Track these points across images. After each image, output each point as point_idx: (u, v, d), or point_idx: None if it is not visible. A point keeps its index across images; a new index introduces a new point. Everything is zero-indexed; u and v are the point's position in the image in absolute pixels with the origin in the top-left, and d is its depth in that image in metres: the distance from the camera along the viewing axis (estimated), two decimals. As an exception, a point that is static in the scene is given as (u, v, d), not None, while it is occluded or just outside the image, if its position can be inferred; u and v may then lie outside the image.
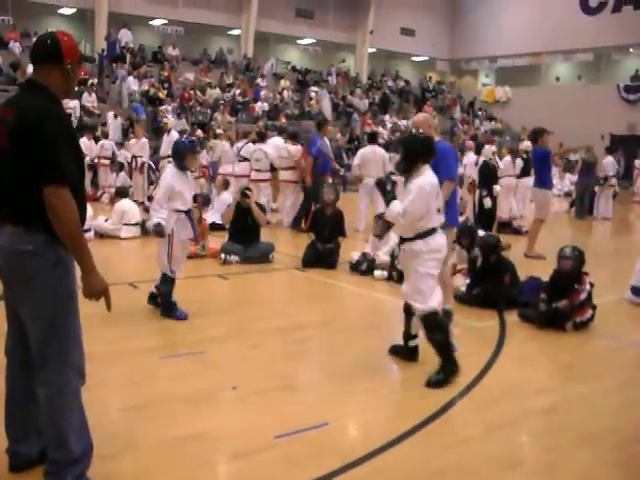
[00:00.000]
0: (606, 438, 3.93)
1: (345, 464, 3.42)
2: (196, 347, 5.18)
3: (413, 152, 4.65)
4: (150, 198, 10.80)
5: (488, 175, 11.67)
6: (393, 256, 7.82)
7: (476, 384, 4.65)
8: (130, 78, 21.74)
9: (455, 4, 34.07)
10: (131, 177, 14.05)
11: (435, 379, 4.56)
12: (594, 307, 6.14)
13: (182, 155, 6.02)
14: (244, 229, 8.64)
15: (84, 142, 14.03)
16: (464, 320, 6.07)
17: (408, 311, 4.95)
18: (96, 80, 21.47)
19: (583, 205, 15.78)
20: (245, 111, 23.60)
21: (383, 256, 8.11)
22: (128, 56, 23.32)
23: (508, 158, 13.45)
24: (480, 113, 31.83)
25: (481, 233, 7.79)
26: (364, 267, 8.11)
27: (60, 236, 2.78)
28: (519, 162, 13.41)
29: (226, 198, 11.03)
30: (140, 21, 25.99)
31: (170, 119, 16.28)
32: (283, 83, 26.65)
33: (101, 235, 9.89)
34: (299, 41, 30.87)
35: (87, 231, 8.73)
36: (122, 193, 10.68)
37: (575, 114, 26.15)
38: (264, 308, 6.65)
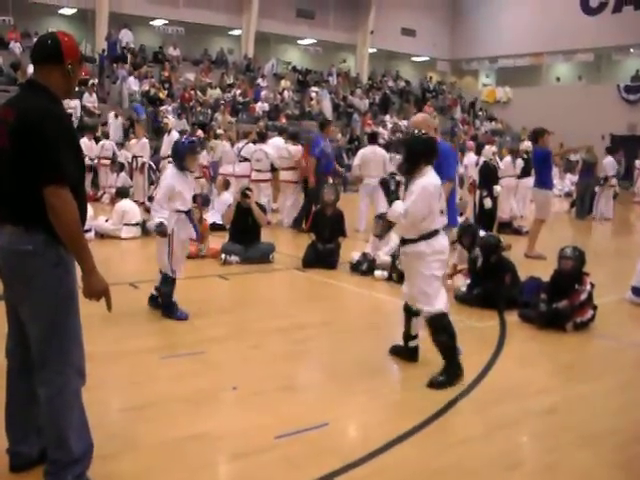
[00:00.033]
0: (606, 438, 3.93)
1: (345, 464, 3.42)
2: (196, 347, 5.18)
3: (416, 153, 4.63)
4: (150, 198, 10.79)
5: (488, 175, 11.66)
6: (394, 257, 7.82)
7: (476, 384, 4.65)
8: (131, 78, 21.76)
9: (456, 4, 34.07)
10: (131, 177, 14.05)
11: (438, 381, 4.55)
12: (594, 307, 6.14)
13: (182, 155, 6.02)
14: (244, 229, 8.64)
15: (84, 142, 14.03)
16: (464, 320, 6.07)
17: (408, 312, 4.96)
18: (97, 80, 21.47)
19: (584, 205, 15.78)
20: (246, 111, 23.61)
21: (383, 256, 8.11)
22: (129, 56, 23.32)
23: (508, 158, 13.45)
24: (480, 113, 31.83)
25: (481, 233, 7.78)
26: (364, 267, 8.11)
27: (60, 236, 2.78)
28: (519, 162, 13.40)
29: (226, 198, 11.03)
30: (141, 21, 26.00)
31: (171, 119, 16.29)
32: (284, 83, 26.65)
33: (101, 235, 9.89)
34: (300, 41, 30.87)
35: (87, 231, 8.74)
36: (122, 193, 10.68)
37: (575, 114, 26.14)
38: (264, 308, 6.65)
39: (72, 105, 17.64)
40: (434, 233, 4.59)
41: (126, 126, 18.36)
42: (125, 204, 10.25)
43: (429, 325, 4.65)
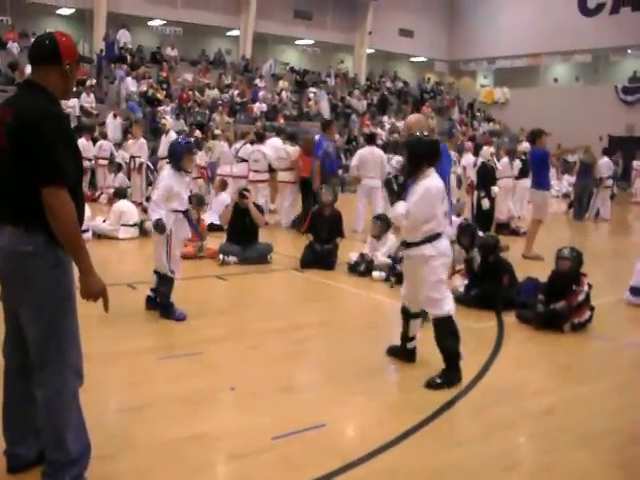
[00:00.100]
0: (604, 439, 3.93)
1: (343, 465, 3.42)
2: (194, 348, 5.18)
3: (418, 155, 4.62)
4: (148, 199, 10.78)
5: (486, 176, 11.67)
6: (392, 258, 7.81)
7: (474, 385, 4.65)
8: (128, 79, 21.74)
9: (454, 5, 34.11)
10: (129, 178, 14.03)
11: (435, 382, 4.55)
12: (592, 308, 6.14)
13: (179, 156, 6.03)
14: (242, 230, 8.64)
15: (82, 143, 14.00)
16: (462, 321, 6.04)
17: (406, 314, 4.96)
18: (94, 81, 21.46)
19: (581, 206, 15.79)
20: (243, 112, 23.60)
21: (381, 257, 8.11)
22: (128, 57, 23.30)
23: (506, 159, 13.45)
24: (478, 114, 31.87)
25: (480, 234, 7.79)
26: (362, 268, 8.10)
27: (58, 237, 2.78)
28: (517, 163, 13.42)
29: (224, 199, 11.02)
30: (139, 22, 25.99)
31: (168, 120, 16.28)
32: (281, 84, 26.65)
33: (99, 236, 9.87)
34: (297, 42, 30.88)
35: (85, 232, 8.72)
36: (120, 194, 10.67)
37: (573, 115, 26.17)
38: (262, 309, 6.65)
39: (70, 104, 17.63)
40: (438, 235, 4.59)
41: (125, 126, 18.35)
42: (123, 205, 10.24)
43: (435, 328, 4.65)
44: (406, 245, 4.74)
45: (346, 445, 3.80)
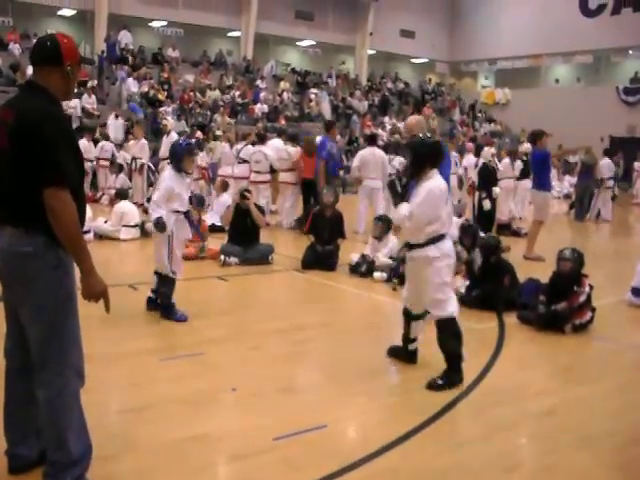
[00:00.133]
0: (605, 440, 3.93)
1: (344, 466, 3.42)
2: (195, 349, 5.18)
3: (421, 156, 4.61)
4: (150, 200, 10.80)
5: (487, 177, 11.66)
6: (396, 260, 7.80)
7: (475, 386, 4.65)
8: (130, 80, 21.76)
9: (455, 6, 34.11)
10: (131, 179, 14.05)
11: (437, 384, 4.54)
12: (593, 309, 6.14)
13: (179, 157, 6.04)
14: (243, 231, 8.65)
15: (83, 144, 14.01)
16: (463, 322, 6.03)
17: (407, 315, 4.95)
18: (96, 82, 21.48)
19: (582, 207, 15.79)
20: (245, 113, 23.61)
21: (382, 258, 8.11)
22: (129, 58, 23.31)
23: (507, 160, 13.46)
24: (479, 115, 31.86)
25: (481, 235, 7.79)
26: (363, 269, 8.10)
27: (60, 238, 2.79)
28: (518, 164, 13.42)
29: (225, 200, 11.03)
30: (140, 23, 26.00)
31: (170, 121, 16.27)
32: (283, 85, 26.65)
33: (100, 237, 9.88)
34: (299, 43, 30.89)
35: (86, 232, 8.73)
36: (121, 195, 10.68)
37: (574, 116, 26.16)
38: (264, 310, 6.65)
39: (72, 105, 17.65)
40: (442, 237, 4.59)
41: (127, 127, 18.35)
42: (124, 205, 10.25)
43: (439, 329, 4.65)
44: (409, 247, 4.72)
45: (347, 446, 3.80)
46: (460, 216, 9.77)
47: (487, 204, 11.29)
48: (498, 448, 3.77)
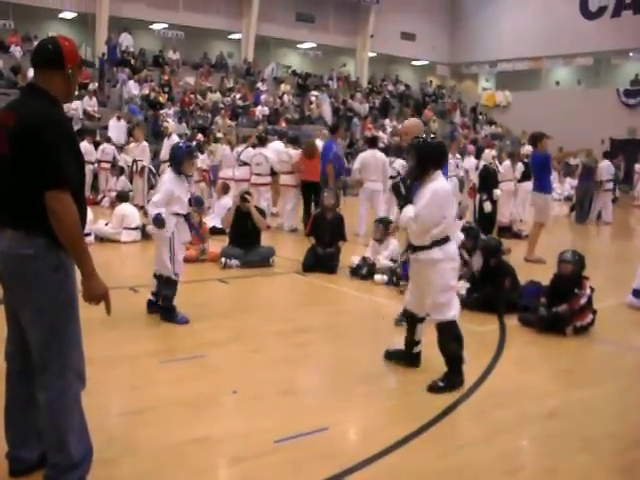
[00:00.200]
0: (606, 443, 3.93)
1: (345, 469, 3.41)
2: (196, 351, 5.18)
3: (425, 158, 4.59)
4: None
5: (488, 179, 11.67)
6: (397, 262, 7.79)
7: (476, 388, 4.65)
8: (131, 82, 21.78)
9: (455, 8, 34.14)
10: (131, 181, 14.06)
11: (438, 386, 4.54)
12: (594, 312, 6.14)
13: (180, 160, 6.05)
14: (244, 233, 8.65)
15: (84, 146, 14.03)
16: (464, 324, 6.04)
17: (412, 317, 4.93)
18: (97, 84, 21.50)
19: (583, 209, 15.79)
20: (245, 115, 23.63)
21: (383, 260, 8.11)
22: (131, 60, 23.34)
23: (508, 162, 13.47)
24: (480, 117, 31.87)
25: (481, 237, 7.78)
26: (364, 271, 8.10)
27: (61, 240, 2.79)
28: (519, 166, 13.42)
29: (226, 202, 11.03)
30: (141, 25, 26.02)
31: (171, 123, 16.28)
32: (283, 87, 26.67)
33: (101, 239, 9.89)
34: (299, 45, 30.91)
35: (87, 235, 8.73)
36: (122, 197, 10.69)
37: (575, 118, 26.15)
38: (264, 312, 6.65)
39: (73, 107, 17.67)
40: (447, 239, 4.58)
41: (129, 129, 18.34)
42: (125, 208, 10.25)
43: (439, 332, 4.64)
44: (413, 249, 4.72)
45: (349, 448, 3.80)
46: (461, 218, 9.76)
47: (488, 206, 11.29)
48: (499, 450, 3.77)
